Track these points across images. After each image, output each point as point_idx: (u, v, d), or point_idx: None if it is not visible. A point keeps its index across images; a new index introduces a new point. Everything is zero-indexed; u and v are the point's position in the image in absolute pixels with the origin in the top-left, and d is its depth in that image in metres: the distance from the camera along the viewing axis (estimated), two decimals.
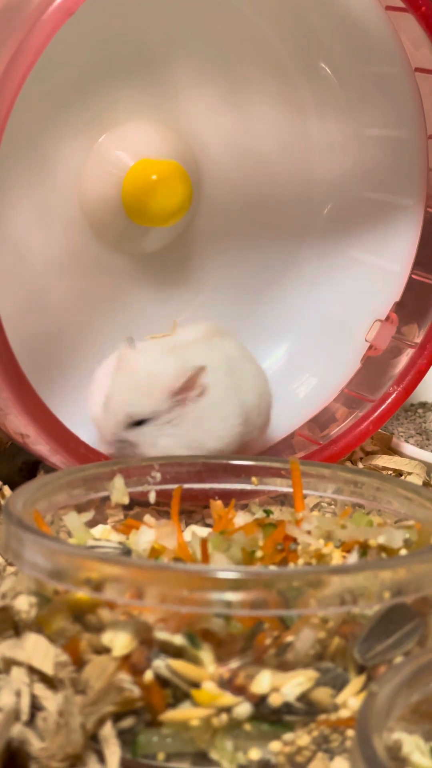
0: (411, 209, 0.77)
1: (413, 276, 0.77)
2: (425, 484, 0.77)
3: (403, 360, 0.76)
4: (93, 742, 0.50)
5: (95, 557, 0.50)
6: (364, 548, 0.57)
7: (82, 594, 0.51)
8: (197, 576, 0.49)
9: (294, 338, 0.81)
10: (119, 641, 0.50)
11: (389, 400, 0.76)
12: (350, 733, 0.50)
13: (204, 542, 0.55)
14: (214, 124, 0.78)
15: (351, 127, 0.78)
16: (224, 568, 0.49)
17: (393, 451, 0.81)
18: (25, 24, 0.61)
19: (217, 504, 0.63)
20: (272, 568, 0.53)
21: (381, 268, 0.79)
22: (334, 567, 0.51)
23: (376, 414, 0.76)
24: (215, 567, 0.50)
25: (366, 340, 0.78)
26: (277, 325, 0.81)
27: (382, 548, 0.56)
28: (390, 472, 0.78)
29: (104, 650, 0.51)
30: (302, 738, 0.50)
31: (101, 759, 0.49)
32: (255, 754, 0.49)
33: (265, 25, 0.76)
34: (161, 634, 0.50)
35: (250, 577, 0.49)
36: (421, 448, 0.84)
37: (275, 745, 0.49)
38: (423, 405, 0.91)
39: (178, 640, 0.50)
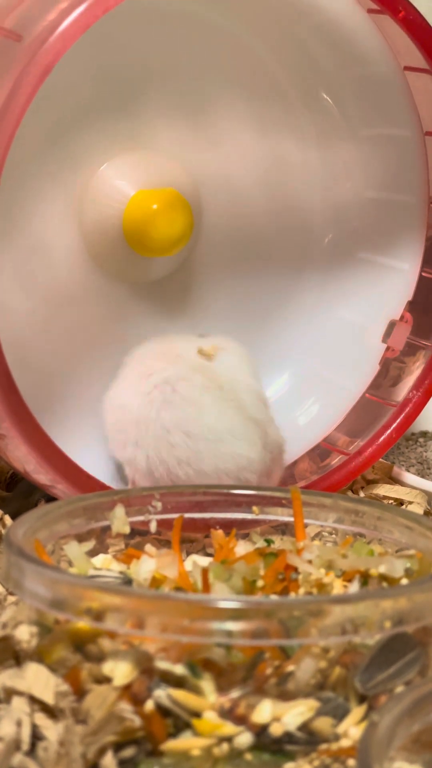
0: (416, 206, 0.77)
1: (424, 274, 0.78)
2: (426, 513, 0.77)
3: (419, 364, 0.77)
4: None
5: (96, 587, 0.50)
6: (365, 578, 0.57)
7: (83, 624, 0.51)
8: (198, 605, 0.49)
9: (296, 366, 0.82)
10: (120, 671, 0.50)
11: (410, 405, 0.76)
12: (351, 762, 0.51)
13: (205, 572, 0.55)
14: (214, 153, 0.78)
15: (351, 147, 0.78)
16: (225, 598, 0.49)
17: (394, 480, 0.81)
18: (21, 61, 0.62)
19: (218, 533, 0.63)
20: (273, 597, 0.54)
21: (391, 269, 0.79)
22: (335, 597, 0.51)
23: (377, 443, 0.76)
24: (216, 597, 0.50)
25: (382, 342, 0.78)
26: (278, 353, 0.81)
27: (383, 578, 0.57)
28: (391, 501, 0.78)
29: (105, 680, 0.51)
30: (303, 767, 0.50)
31: None
32: None
33: (267, 54, 0.77)
34: (162, 664, 0.50)
35: (251, 606, 0.49)
36: (422, 477, 0.85)
37: None
38: (424, 434, 0.91)
39: (179, 669, 0.50)
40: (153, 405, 0.71)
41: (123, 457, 0.73)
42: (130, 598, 0.49)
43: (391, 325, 0.77)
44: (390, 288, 0.79)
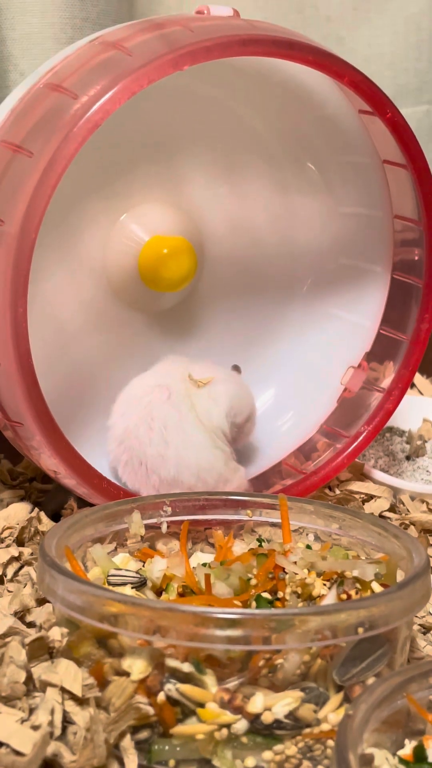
0: (380, 275, 0.76)
1: (381, 331, 0.77)
2: (392, 506, 0.77)
3: (373, 403, 0.76)
4: (115, 749, 0.50)
5: (117, 599, 0.49)
6: (341, 578, 0.56)
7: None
8: (202, 616, 0.48)
9: (281, 382, 0.81)
10: (137, 667, 0.50)
11: (361, 437, 0.75)
12: (331, 743, 0.50)
13: (207, 577, 0.55)
14: (215, 206, 0.77)
15: (329, 208, 0.77)
16: (224, 611, 0.49)
17: (365, 476, 0.80)
18: (61, 132, 0.61)
19: (218, 534, 0.63)
20: (264, 609, 0.53)
21: (354, 324, 0.78)
22: (316, 608, 0.50)
23: (350, 449, 0.75)
24: (217, 609, 0.49)
25: (341, 384, 0.78)
26: (266, 370, 0.80)
27: (356, 579, 0.56)
28: (362, 496, 0.77)
29: (124, 672, 0.51)
30: (290, 749, 0.49)
31: (122, 765, 0.49)
32: (250, 762, 0.49)
33: (263, 128, 0.76)
34: (172, 662, 0.50)
35: (246, 617, 0.48)
36: (389, 467, 0.84)
37: (267, 755, 0.49)
38: (390, 429, 0.90)
39: (186, 667, 0.49)
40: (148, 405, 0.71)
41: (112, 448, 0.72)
42: (144, 609, 0.49)
43: (350, 370, 0.76)
44: (368, 291, 0.78)
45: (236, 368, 0.76)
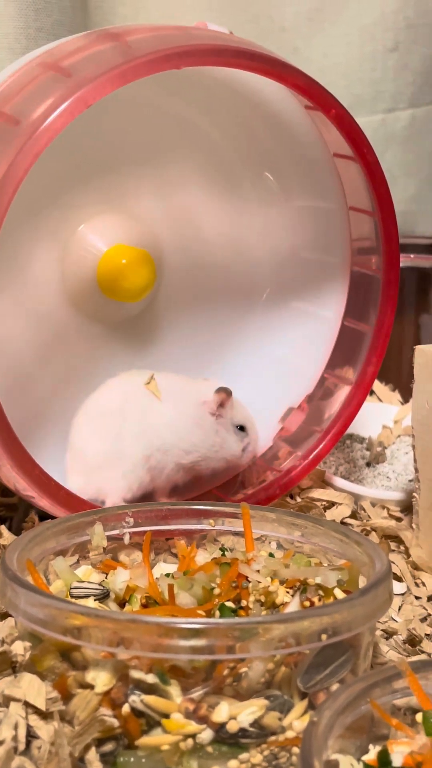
0: (331, 320, 0.77)
1: (345, 322, 0.78)
2: (353, 512, 0.77)
3: (333, 411, 0.77)
4: (80, 763, 0.50)
5: (80, 612, 0.49)
6: (304, 586, 0.57)
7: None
8: (165, 627, 0.48)
9: (240, 391, 0.81)
10: (101, 679, 0.50)
11: (321, 446, 0.76)
12: (296, 750, 0.50)
13: (170, 587, 0.55)
14: (173, 216, 0.77)
15: (287, 218, 0.78)
16: (188, 621, 0.49)
17: (326, 483, 0.81)
18: (19, 142, 0.61)
19: (180, 544, 0.63)
20: (227, 619, 0.53)
21: (307, 344, 0.79)
22: (279, 616, 0.51)
23: (311, 457, 0.76)
24: (180, 620, 0.49)
25: (279, 423, 0.78)
26: (226, 379, 0.80)
27: (319, 586, 0.56)
28: (324, 503, 0.78)
29: (88, 685, 0.50)
30: (255, 757, 0.50)
31: None
32: None
33: (219, 138, 0.76)
34: (136, 673, 0.50)
35: (209, 627, 0.49)
36: (349, 474, 0.85)
37: (233, 764, 0.49)
38: (350, 437, 0.91)
39: (150, 678, 0.49)
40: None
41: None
42: (107, 621, 0.49)
43: (289, 411, 0.77)
44: (314, 334, 0.79)
45: (223, 392, 0.74)
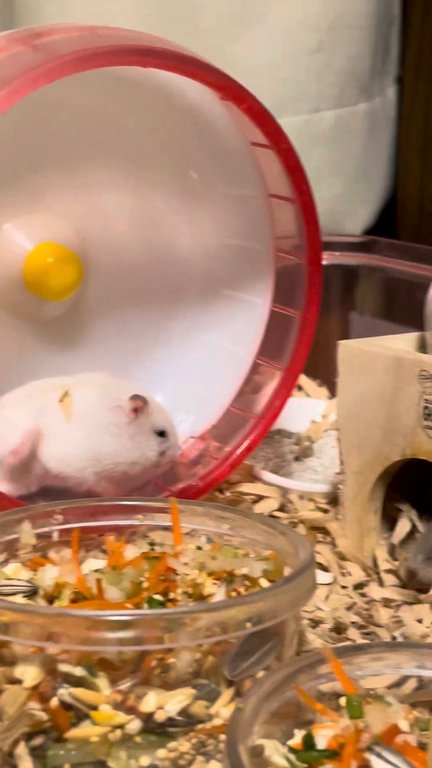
0: (259, 305, 0.78)
1: (257, 361, 0.79)
2: (282, 506, 0.79)
3: (260, 408, 0.78)
4: (9, 758, 0.50)
5: (7, 608, 0.50)
6: (231, 577, 0.58)
7: None
8: (93, 619, 0.49)
9: (169, 387, 0.82)
10: (29, 674, 0.50)
11: (248, 441, 0.77)
12: (223, 737, 0.52)
13: (99, 582, 0.55)
14: (96, 215, 0.78)
15: (215, 236, 0.79)
16: (115, 613, 0.50)
17: (255, 478, 0.82)
18: None
19: (110, 540, 0.63)
20: (154, 609, 0.54)
21: (240, 330, 0.80)
22: (205, 605, 0.52)
23: (239, 452, 0.77)
24: (108, 612, 0.50)
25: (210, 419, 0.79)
26: (154, 376, 0.82)
27: (245, 577, 0.58)
28: (252, 497, 0.79)
29: (17, 680, 0.51)
30: (183, 745, 0.51)
31: None
32: (145, 761, 0.50)
33: (142, 136, 0.77)
34: (64, 667, 0.50)
35: (137, 618, 0.49)
36: (279, 468, 0.86)
37: (161, 753, 0.50)
38: (279, 432, 0.92)
39: (79, 671, 0.50)
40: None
41: None
42: (35, 615, 0.49)
43: (190, 439, 0.79)
44: (244, 321, 0.80)
45: (139, 400, 0.74)
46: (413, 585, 0.67)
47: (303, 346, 0.76)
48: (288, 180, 0.72)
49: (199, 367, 0.82)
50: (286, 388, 0.77)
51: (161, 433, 0.74)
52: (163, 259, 0.80)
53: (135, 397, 0.72)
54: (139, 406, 0.73)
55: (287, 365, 0.77)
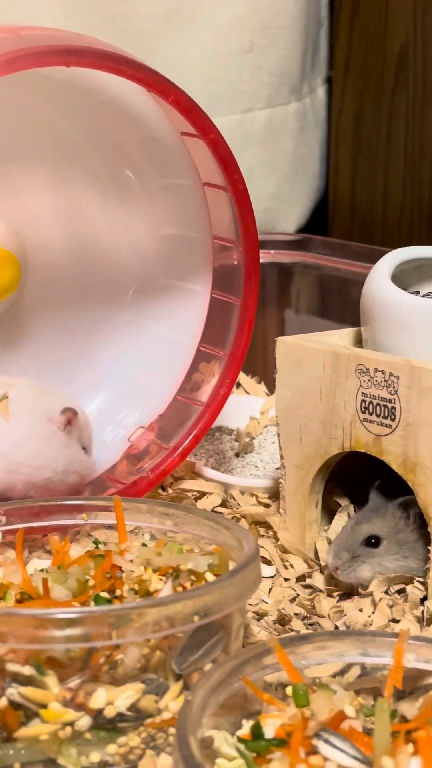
0: (200, 293, 0.79)
1: (201, 348, 0.79)
2: (224, 501, 0.79)
3: (199, 407, 0.78)
4: None
5: None
6: (176, 572, 0.58)
7: None
8: (40, 618, 0.49)
9: (114, 381, 0.82)
10: None
11: (189, 439, 0.78)
12: (172, 731, 0.52)
13: (45, 581, 0.55)
14: (35, 217, 0.77)
15: (151, 226, 0.79)
16: (63, 611, 0.50)
17: (196, 474, 0.82)
18: None
19: (54, 539, 0.63)
20: (101, 606, 0.54)
21: (183, 319, 0.81)
22: (152, 601, 0.52)
23: (180, 450, 0.77)
24: (55, 610, 0.50)
25: (128, 441, 0.79)
26: (95, 378, 0.82)
27: (191, 572, 0.58)
28: (195, 494, 0.80)
29: None
30: (133, 740, 0.51)
31: None
32: (95, 757, 0.50)
33: (81, 138, 0.77)
34: (12, 666, 0.50)
35: (84, 615, 0.50)
36: (220, 465, 0.87)
37: (111, 748, 0.51)
38: (219, 428, 0.93)
39: (27, 670, 0.50)
40: None
41: None
42: None
43: (140, 429, 0.79)
44: (188, 307, 0.80)
45: (70, 413, 0.73)
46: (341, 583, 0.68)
47: (245, 331, 0.76)
48: (220, 169, 0.72)
49: (144, 358, 0.82)
50: (231, 374, 0.77)
51: (84, 449, 0.75)
52: (99, 255, 0.80)
53: (66, 410, 0.73)
54: (71, 418, 0.73)
55: (230, 351, 0.77)
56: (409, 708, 0.51)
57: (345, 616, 0.65)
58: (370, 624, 0.64)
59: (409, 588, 0.66)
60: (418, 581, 0.66)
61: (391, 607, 0.65)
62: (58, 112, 0.76)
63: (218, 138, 0.71)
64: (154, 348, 0.81)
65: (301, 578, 0.70)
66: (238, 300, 0.76)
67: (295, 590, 0.69)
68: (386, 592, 0.66)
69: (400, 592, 0.66)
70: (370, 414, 0.67)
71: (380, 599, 0.65)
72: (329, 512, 0.73)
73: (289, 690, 0.51)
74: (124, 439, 0.80)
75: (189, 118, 0.71)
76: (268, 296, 1.00)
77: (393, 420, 0.66)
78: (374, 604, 0.65)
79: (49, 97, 0.75)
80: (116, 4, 0.98)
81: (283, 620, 0.65)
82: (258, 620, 0.65)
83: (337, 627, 0.65)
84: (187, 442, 0.78)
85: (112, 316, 0.82)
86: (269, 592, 0.69)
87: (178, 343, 0.80)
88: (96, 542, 0.64)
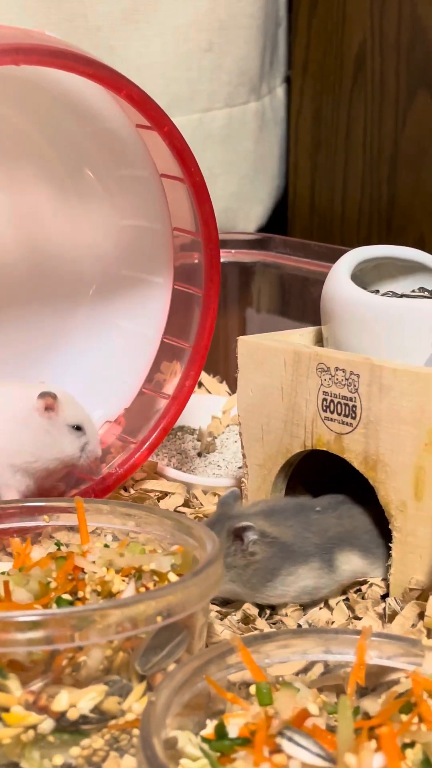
0: (162, 284, 0.79)
1: (164, 340, 0.79)
2: (186, 501, 0.79)
3: (162, 406, 0.78)
4: None
5: None
6: (139, 573, 0.58)
7: None
8: (1, 621, 0.49)
9: (79, 377, 0.81)
10: None
11: (151, 439, 0.77)
12: (136, 732, 0.52)
13: (6, 583, 0.55)
14: None
15: (109, 215, 0.79)
16: (24, 613, 0.49)
17: (158, 474, 0.82)
18: None
19: (15, 542, 0.63)
20: (64, 608, 0.54)
21: (139, 335, 0.80)
22: (115, 602, 0.52)
23: (142, 450, 0.77)
24: (17, 613, 0.50)
25: (119, 413, 0.80)
26: (63, 368, 0.81)
27: (154, 572, 0.58)
28: (157, 494, 0.79)
29: None
30: (97, 742, 0.51)
31: None
32: (58, 759, 0.50)
33: (38, 136, 0.77)
34: None
35: (46, 617, 0.49)
36: (182, 464, 0.87)
37: (75, 750, 0.50)
38: (181, 428, 0.93)
39: None
40: None
41: None
42: None
43: (106, 424, 0.79)
44: (151, 300, 0.80)
45: (48, 396, 0.73)
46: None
47: (208, 322, 0.76)
48: (176, 160, 0.72)
49: (108, 353, 0.82)
50: (196, 366, 0.77)
51: (77, 428, 0.74)
52: (56, 250, 0.79)
53: (44, 395, 0.72)
54: (50, 403, 0.72)
55: (194, 343, 0.77)
56: (372, 705, 0.51)
57: (306, 614, 0.66)
58: (333, 622, 0.65)
59: (368, 586, 0.66)
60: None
61: (348, 605, 0.65)
62: (11, 108, 0.75)
63: (173, 130, 0.71)
64: (117, 341, 0.81)
65: None
66: (200, 291, 0.76)
67: None
68: (343, 592, 0.67)
69: (357, 591, 0.66)
70: (332, 412, 0.67)
71: (337, 602, 0.66)
72: None
73: (252, 689, 0.51)
74: None
75: (143, 111, 0.70)
76: (230, 295, 1.00)
77: (354, 418, 0.66)
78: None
79: (1, 93, 0.74)
80: (74, 2, 0.97)
81: (246, 619, 0.65)
82: (221, 619, 0.65)
83: (300, 625, 0.65)
84: (154, 435, 0.77)
85: (74, 310, 0.81)
86: None
87: (142, 335, 0.79)
88: (58, 544, 0.64)
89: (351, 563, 0.66)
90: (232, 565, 0.64)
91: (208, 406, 0.94)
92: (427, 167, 1.07)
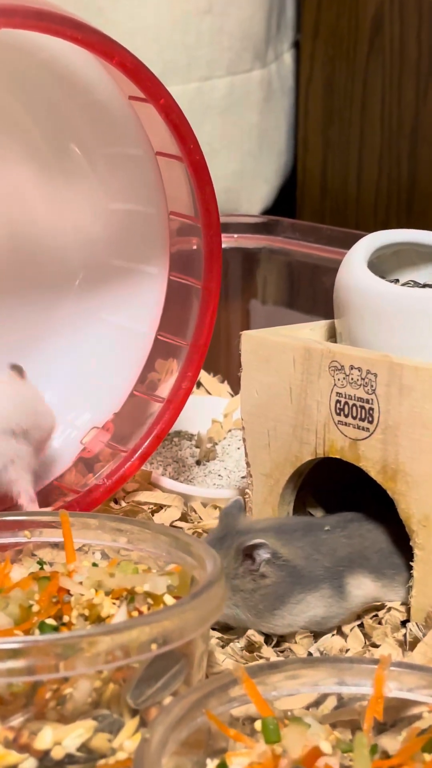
0: (156, 275, 0.79)
1: (159, 337, 0.79)
2: (183, 515, 0.79)
3: (156, 409, 0.78)
4: None
5: None
6: (131, 595, 0.58)
7: None
8: None
9: (64, 377, 0.82)
10: None
11: (145, 445, 0.77)
12: None
13: None
14: None
15: (100, 201, 0.79)
16: (3, 641, 0.49)
17: (153, 485, 0.82)
18: None
19: None
20: (47, 635, 0.54)
21: (137, 304, 0.80)
22: (104, 628, 0.52)
23: (135, 457, 0.77)
24: None
25: (81, 443, 0.79)
26: (41, 372, 0.81)
27: (148, 594, 0.58)
28: (152, 507, 0.80)
29: None
30: None
31: None
32: None
33: (20, 108, 0.77)
34: None
35: (28, 645, 0.49)
36: (179, 474, 0.87)
37: None
38: (178, 434, 0.93)
39: None
40: None
41: None
42: None
43: (93, 430, 0.79)
44: (144, 292, 0.80)
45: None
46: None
47: (207, 318, 0.76)
48: (173, 137, 0.72)
49: (96, 351, 0.82)
50: (193, 366, 0.77)
51: None
52: (39, 236, 0.80)
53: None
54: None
55: (192, 341, 0.77)
56: (391, 742, 0.51)
57: (317, 642, 0.66)
58: (347, 650, 0.65)
59: (386, 610, 0.66)
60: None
61: (364, 632, 0.65)
62: (18, 101, 0.76)
63: (170, 102, 0.71)
64: (106, 338, 0.81)
65: None
66: (199, 283, 0.76)
67: None
68: (358, 617, 0.67)
69: (373, 616, 0.66)
70: (346, 416, 0.67)
71: (351, 628, 0.66)
72: None
73: (258, 724, 0.51)
74: (76, 441, 0.79)
75: (136, 81, 0.70)
76: (232, 285, 1.01)
77: (371, 422, 0.66)
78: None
79: (11, 86, 0.74)
80: None
81: (251, 647, 0.65)
82: (223, 647, 0.65)
83: (310, 653, 0.65)
84: (146, 443, 0.78)
85: (59, 302, 0.82)
86: None
87: (134, 332, 0.79)
88: (40, 562, 0.64)
89: (362, 588, 0.66)
90: (238, 588, 0.64)
91: (207, 408, 0.94)
92: None
